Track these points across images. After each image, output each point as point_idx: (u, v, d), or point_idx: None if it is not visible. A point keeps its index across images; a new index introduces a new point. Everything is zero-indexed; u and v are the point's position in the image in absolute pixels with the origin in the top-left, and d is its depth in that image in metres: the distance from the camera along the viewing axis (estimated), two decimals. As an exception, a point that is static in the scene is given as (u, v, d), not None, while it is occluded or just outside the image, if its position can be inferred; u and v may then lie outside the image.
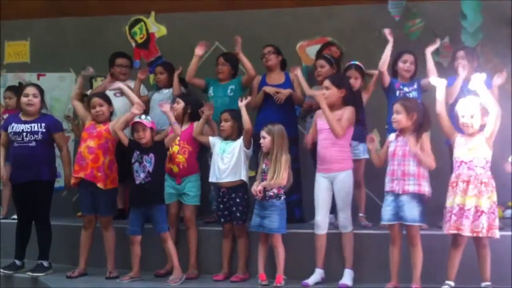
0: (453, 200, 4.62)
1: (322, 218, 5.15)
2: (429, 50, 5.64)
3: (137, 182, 5.31)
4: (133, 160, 5.34)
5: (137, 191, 5.35)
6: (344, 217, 5.11)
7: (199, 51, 6.19)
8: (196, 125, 5.63)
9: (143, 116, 5.39)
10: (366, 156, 5.70)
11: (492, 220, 4.55)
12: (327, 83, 5.19)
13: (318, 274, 5.17)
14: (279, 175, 5.10)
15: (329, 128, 5.09)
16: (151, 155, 5.31)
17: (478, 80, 4.66)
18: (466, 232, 4.52)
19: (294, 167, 5.40)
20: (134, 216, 5.38)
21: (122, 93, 6.26)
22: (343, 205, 5.11)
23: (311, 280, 5.12)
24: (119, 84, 5.88)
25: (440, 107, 4.78)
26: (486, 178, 4.61)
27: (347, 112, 5.11)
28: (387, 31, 5.66)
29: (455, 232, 4.55)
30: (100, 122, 5.60)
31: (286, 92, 6.00)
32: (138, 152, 5.34)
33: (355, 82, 5.72)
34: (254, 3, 7.10)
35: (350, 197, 5.15)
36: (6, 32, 7.68)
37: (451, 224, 4.57)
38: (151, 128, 5.39)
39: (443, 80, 4.87)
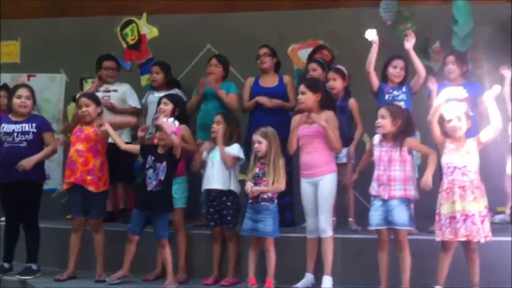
0: (452, 207, 4.59)
1: (312, 222, 5.13)
2: (409, 45, 5.52)
3: (149, 188, 5.26)
4: (147, 166, 5.29)
5: (145, 197, 5.29)
6: (324, 221, 5.03)
7: (200, 89, 6.19)
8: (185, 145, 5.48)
9: (170, 119, 5.33)
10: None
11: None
12: (302, 88, 5.18)
13: (308, 279, 5.15)
14: (280, 180, 5.11)
15: (310, 135, 5.09)
16: (164, 163, 5.25)
17: (492, 92, 4.66)
18: (477, 239, 4.51)
19: (287, 170, 5.34)
20: (136, 217, 5.33)
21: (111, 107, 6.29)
22: (323, 208, 5.04)
23: (301, 284, 5.10)
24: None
25: (432, 116, 4.74)
26: (479, 182, 4.63)
27: (332, 120, 5.10)
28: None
29: (465, 239, 4.54)
30: (87, 123, 5.56)
31: (276, 102, 6.02)
32: (152, 158, 5.28)
33: (334, 83, 5.74)
34: (247, 5, 7.11)
35: (331, 200, 5.10)
36: (-2, 32, 7.67)
37: (458, 232, 4.53)
38: (175, 133, 5.28)
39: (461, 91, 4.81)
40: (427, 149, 4.89)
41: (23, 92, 5.70)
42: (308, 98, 5.13)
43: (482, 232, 4.51)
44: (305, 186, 5.16)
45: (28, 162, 5.50)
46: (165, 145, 5.29)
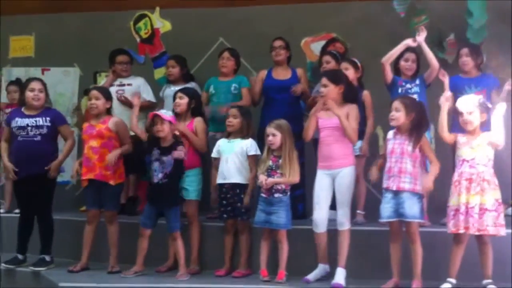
0: (458, 199, 4.61)
1: (320, 216, 5.08)
2: (421, 38, 5.51)
3: (155, 181, 5.27)
4: (152, 158, 5.30)
5: (154, 190, 5.31)
6: (342, 214, 5.02)
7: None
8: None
9: (163, 110, 5.35)
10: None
11: (496, 218, 4.54)
12: (324, 80, 5.13)
13: (322, 269, 5.13)
14: (295, 172, 5.11)
15: (332, 127, 5.04)
16: (170, 156, 5.26)
17: (500, 110, 4.67)
18: (473, 231, 4.51)
19: (299, 162, 5.33)
20: (148, 210, 5.35)
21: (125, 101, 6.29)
22: (342, 201, 5.03)
23: (312, 276, 5.10)
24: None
25: (442, 129, 4.80)
26: (489, 175, 4.60)
27: (354, 113, 5.04)
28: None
29: (464, 231, 4.54)
30: (95, 116, 5.57)
31: (300, 86, 6.03)
32: (158, 151, 5.29)
33: (346, 72, 5.65)
34: (260, -2, 7.12)
35: (350, 193, 5.08)
36: (11, 26, 7.70)
37: (459, 224, 4.55)
38: (170, 122, 5.31)
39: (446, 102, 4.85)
40: (433, 158, 4.85)
41: (36, 85, 5.72)
42: (330, 90, 5.08)
43: (477, 225, 4.50)
44: (322, 177, 5.10)
45: (55, 170, 5.62)
46: (165, 137, 5.30)
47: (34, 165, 5.55)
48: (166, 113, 5.33)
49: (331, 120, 5.08)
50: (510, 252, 4.86)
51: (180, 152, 5.26)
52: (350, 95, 5.16)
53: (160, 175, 5.25)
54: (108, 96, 5.68)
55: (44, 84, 5.79)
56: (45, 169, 5.56)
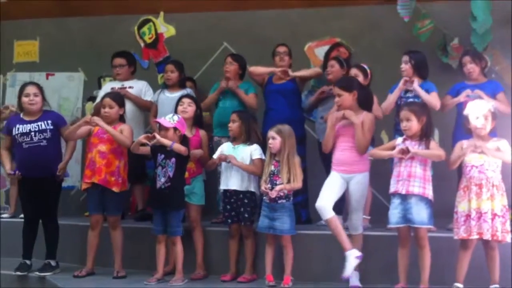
0: (468, 205, 4.59)
1: (324, 202, 4.92)
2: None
3: (158, 186, 5.25)
4: (157, 164, 5.28)
5: (156, 194, 5.29)
6: (356, 219, 5.04)
7: (219, 92, 6.20)
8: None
9: (168, 116, 5.33)
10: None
11: (503, 224, 4.54)
12: (337, 90, 5.05)
13: (352, 258, 4.86)
14: (297, 178, 5.10)
15: (348, 134, 4.99)
16: (173, 159, 5.24)
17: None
18: (487, 236, 4.50)
19: (302, 167, 5.30)
20: (157, 216, 5.33)
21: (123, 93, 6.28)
22: (356, 207, 5.03)
23: (349, 271, 4.85)
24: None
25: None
26: (497, 181, 4.60)
27: (368, 123, 4.96)
28: None
29: (477, 237, 4.53)
30: (107, 123, 5.55)
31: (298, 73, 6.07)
32: (162, 156, 5.27)
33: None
34: (263, 3, 7.10)
35: (364, 199, 5.09)
36: (16, 31, 7.71)
37: (472, 229, 4.54)
38: (175, 128, 5.25)
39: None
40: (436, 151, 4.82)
41: (30, 90, 5.66)
42: (345, 99, 5.01)
43: (491, 230, 4.49)
44: (335, 176, 5.00)
45: (63, 169, 5.68)
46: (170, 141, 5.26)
47: (41, 170, 5.54)
48: (171, 119, 5.30)
49: (347, 127, 5.03)
50: (510, 256, 4.84)
51: (180, 147, 5.21)
52: (365, 100, 5.08)
53: (163, 180, 5.23)
54: (121, 103, 5.67)
55: (39, 88, 5.73)
56: (52, 173, 5.56)
